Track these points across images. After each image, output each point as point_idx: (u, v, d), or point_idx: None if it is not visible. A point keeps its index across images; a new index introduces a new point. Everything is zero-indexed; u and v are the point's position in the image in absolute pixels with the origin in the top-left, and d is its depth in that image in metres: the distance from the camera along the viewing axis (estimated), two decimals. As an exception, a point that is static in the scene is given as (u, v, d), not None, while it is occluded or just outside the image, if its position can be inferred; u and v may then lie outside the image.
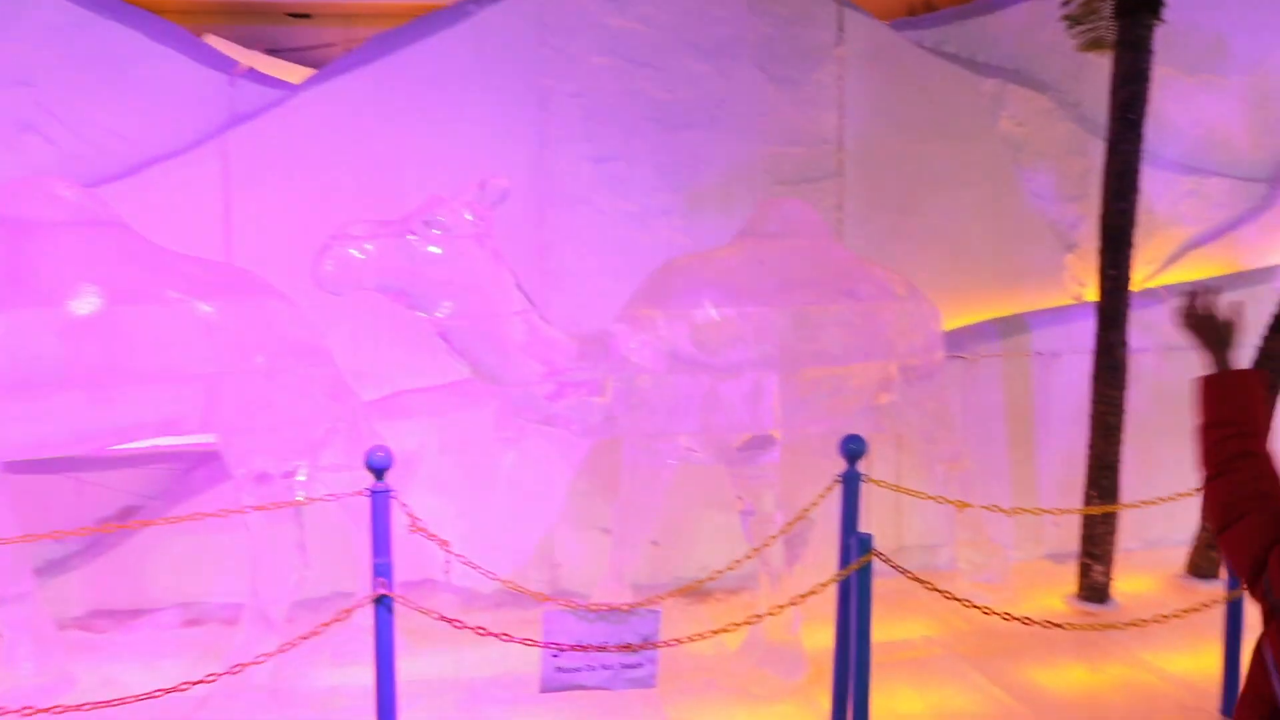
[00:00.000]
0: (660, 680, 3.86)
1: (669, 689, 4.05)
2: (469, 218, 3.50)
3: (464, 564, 3.39)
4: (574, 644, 3.26)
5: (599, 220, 5.19)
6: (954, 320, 5.61)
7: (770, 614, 3.56)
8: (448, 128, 5.05)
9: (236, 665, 3.13)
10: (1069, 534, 5.34)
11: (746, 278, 4.08)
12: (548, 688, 3.35)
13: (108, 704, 2.92)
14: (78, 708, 2.80)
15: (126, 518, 5.18)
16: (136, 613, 5.12)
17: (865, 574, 3.25)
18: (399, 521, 3.29)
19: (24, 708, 2.68)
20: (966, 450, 5.03)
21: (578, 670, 3.36)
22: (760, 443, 4.05)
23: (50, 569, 5.09)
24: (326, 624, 3.18)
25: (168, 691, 2.89)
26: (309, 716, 3.99)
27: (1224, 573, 5.07)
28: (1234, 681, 3.75)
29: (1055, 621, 3.50)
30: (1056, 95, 5.88)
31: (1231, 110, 6.37)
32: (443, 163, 4.97)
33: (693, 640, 3.30)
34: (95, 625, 5.06)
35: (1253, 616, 4.06)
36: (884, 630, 4.56)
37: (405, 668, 4.18)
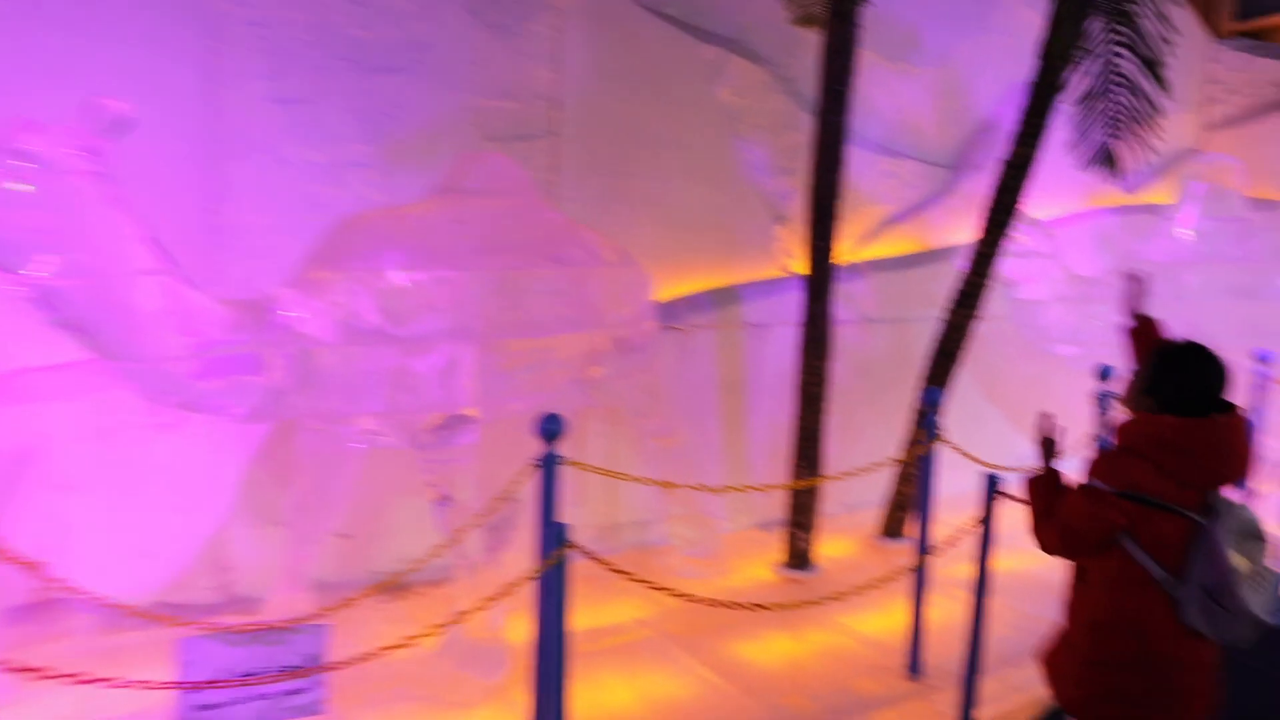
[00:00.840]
0: (346, 696, 3.41)
1: (354, 705, 3.60)
2: (74, 150, 2.80)
3: (63, 593, 2.73)
4: (215, 677, 2.73)
5: (281, 172, 4.52)
6: (667, 290, 5.51)
7: (470, 611, 3.20)
8: (97, 54, 4.15)
9: None
10: (777, 503, 5.44)
11: (440, 238, 3.66)
12: (190, 730, 2.80)
13: None
14: None
15: None
16: None
17: (561, 566, 2.98)
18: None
19: None
20: (679, 423, 4.94)
21: (224, 706, 2.84)
22: (455, 424, 3.67)
23: None
24: None
25: None
26: None
27: (911, 533, 5.38)
28: (920, 641, 3.90)
29: (758, 603, 3.43)
30: (773, 68, 5.91)
31: (923, 99, 6.74)
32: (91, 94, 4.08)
33: (368, 659, 2.87)
34: None
35: (939, 577, 4.23)
36: (594, 615, 4.39)
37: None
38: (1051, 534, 2.45)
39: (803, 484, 4.31)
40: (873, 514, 5.95)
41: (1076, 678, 2.38)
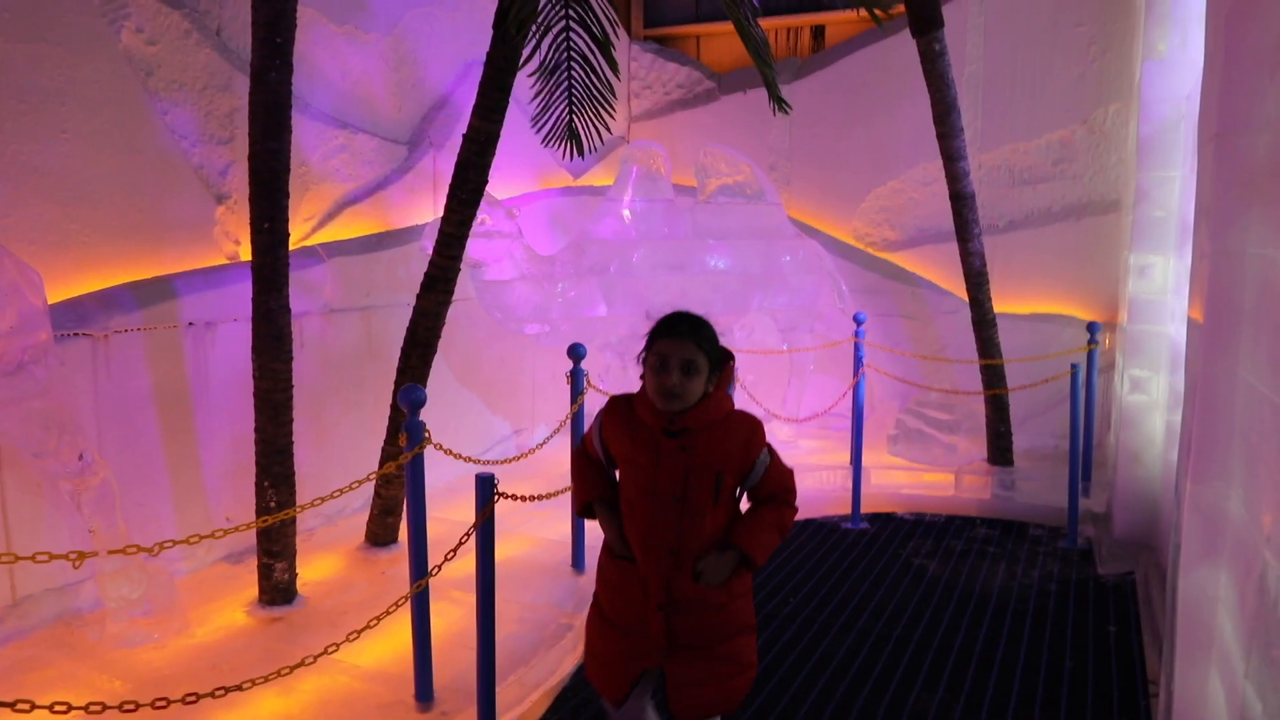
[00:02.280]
0: None
1: None
2: None
3: None
4: None
5: None
6: (71, 286, 4.34)
7: None
8: None
9: None
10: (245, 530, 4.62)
11: None
12: None
13: None
14: None
15: None
16: None
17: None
18: None
19: None
20: (101, 457, 3.90)
21: None
22: None
23: None
24: None
25: None
26: None
27: (404, 544, 4.98)
28: (427, 663, 3.50)
29: (224, 663, 2.72)
30: (193, 15, 4.94)
31: (375, 68, 6.28)
32: None
33: None
34: None
35: (434, 583, 3.86)
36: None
37: None
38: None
39: (272, 519, 3.62)
40: (357, 521, 5.44)
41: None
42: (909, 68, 6.80)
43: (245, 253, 5.15)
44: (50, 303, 3.83)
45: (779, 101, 5.22)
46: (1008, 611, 4.61)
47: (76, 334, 4.12)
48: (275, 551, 4.25)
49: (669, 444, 2.44)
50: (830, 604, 4.69)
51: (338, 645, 3.09)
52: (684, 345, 2.41)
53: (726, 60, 8.78)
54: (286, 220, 4.19)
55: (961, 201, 6.44)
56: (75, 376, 4.12)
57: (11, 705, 2.22)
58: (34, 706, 2.25)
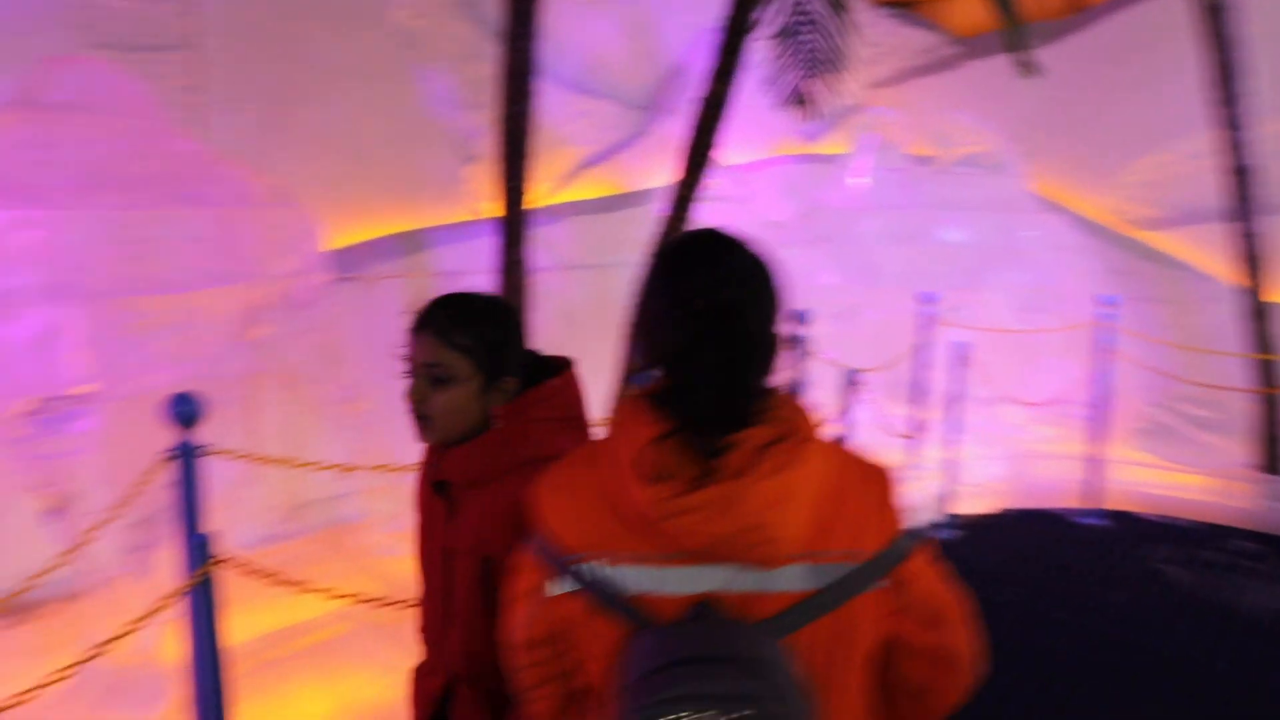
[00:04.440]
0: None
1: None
2: None
3: None
4: None
5: None
6: (344, 236, 4.84)
7: (113, 638, 2.46)
8: None
9: None
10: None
11: (23, 167, 2.78)
12: None
13: None
14: None
15: None
16: None
17: (205, 586, 2.37)
18: None
19: None
20: (365, 388, 4.35)
21: None
22: (63, 406, 2.86)
23: None
24: None
25: None
26: None
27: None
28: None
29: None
30: (454, -10, 5.35)
31: (615, 35, 6.49)
32: None
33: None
34: None
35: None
36: (284, 613, 3.75)
37: None
38: None
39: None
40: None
41: None
42: (1178, 27, 6.17)
43: (492, 209, 5.53)
44: (328, 249, 4.31)
45: (1027, 66, 4.91)
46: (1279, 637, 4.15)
47: (349, 278, 4.62)
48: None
49: (437, 505, 1.61)
50: (1054, 599, 4.44)
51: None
52: (427, 342, 1.55)
53: (970, 24, 8.33)
54: (528, 180, 4.45)
55: (1240, 176, 5.79)
56: (344, 317, 4.62)
57: (292, 586, 2.56)
58: (308, 591, 2.59)
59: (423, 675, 1.67)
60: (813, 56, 5.03)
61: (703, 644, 1.10)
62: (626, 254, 6.09)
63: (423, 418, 1.55)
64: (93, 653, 2.45)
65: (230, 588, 2.55)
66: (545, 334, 5.74)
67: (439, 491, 1.58)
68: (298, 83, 4.65)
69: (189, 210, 3.16)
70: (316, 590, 2.64)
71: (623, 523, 1.16)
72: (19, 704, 2.23)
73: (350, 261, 4.71)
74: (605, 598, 1.15)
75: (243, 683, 2.75)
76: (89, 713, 3.12)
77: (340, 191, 4.86)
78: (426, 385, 1.54)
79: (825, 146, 8.24)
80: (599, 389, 5.40)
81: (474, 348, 1.54)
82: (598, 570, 1.16)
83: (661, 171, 6.71)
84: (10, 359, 2.70)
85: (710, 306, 1.17)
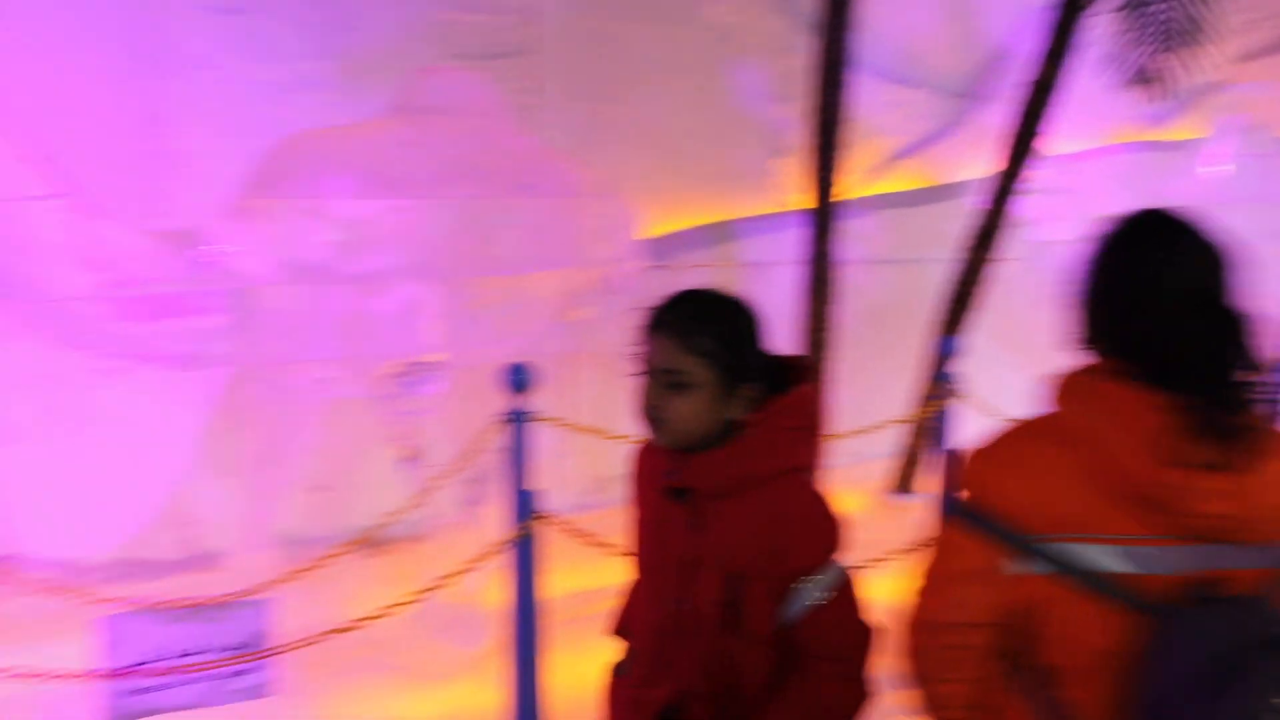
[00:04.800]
0: (313, 666, 3.05)
1: (321, 676, 3.24)
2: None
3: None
4: (148, 657, 2.38)
5: (225, 91, 4.03)
6: (657, 226, 5.07)
7: (445, 578, 2.81)
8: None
9: None
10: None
11: (396, 162, 3.22)
12: (119, 717, 2.45)
13: None
14: None
15: None
16: None
17: (527, 540, 2.61)
18: None
19: None
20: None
21: (160, 689, 2.49)
22: (419, 370, 3.27)
23: None
24: None
25: None
26: None
27: (921, 488, 5.03)
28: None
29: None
30: (771, -15, 5.42)
31: (933, 22, 6.23)
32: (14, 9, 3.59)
33: (316, 640, 2.51)
34: None
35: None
36: (588, 576, 4.03)
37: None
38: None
39: (805, 438, 3.93)
40: (882, 465, 5.59)
41: None
42: None
43: (800, 201, 5.54)
44: (643, 238, 4.55)
45: None
46: None
47: (658, 266, 4.85)
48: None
49: (674, 511, 1.55)
50: None
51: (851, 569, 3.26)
52: (664, 346, 1.49)
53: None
54: (840, 172, 4.42)
55: None
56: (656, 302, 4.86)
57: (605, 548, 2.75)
58: (619, 555, 2.76)
59: (637, 685, 1.60)
60: (1167, 29, 4.53)
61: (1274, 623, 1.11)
62: (938, 249, 5.84)
63: (657, 422, 1.49)
64: (430, 587, 2.79)
65: (549, 544, 2.79)
66: (849, 329, 5.66)
67: (676, 498, 1.52)
68: (621, 80, 4.94)
69: (525, 200, 3.47)
70: (627, 555, 2.82)
71: (1111, 501, 1.14)
72: (371, 623, 2.60)
73: (662, 250, 4.93)
74: (1085, 577, 1.14)
75: (554, 633, 2.99)
76: (426, 639, 3.53)
77: (655, 183, 5.10)
78: (662, 389, 1.48)
79: (1172, 132, 7.36)
80: (902, 387, 5.24)
81: (713, 352, 1.47)
82: (1073, 549, 1.15)
83: (978, 163, 6.34)
84: (380, 327, 3.13)
85: (1197, 288, 1.17)
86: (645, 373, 1.49)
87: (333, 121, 4.07)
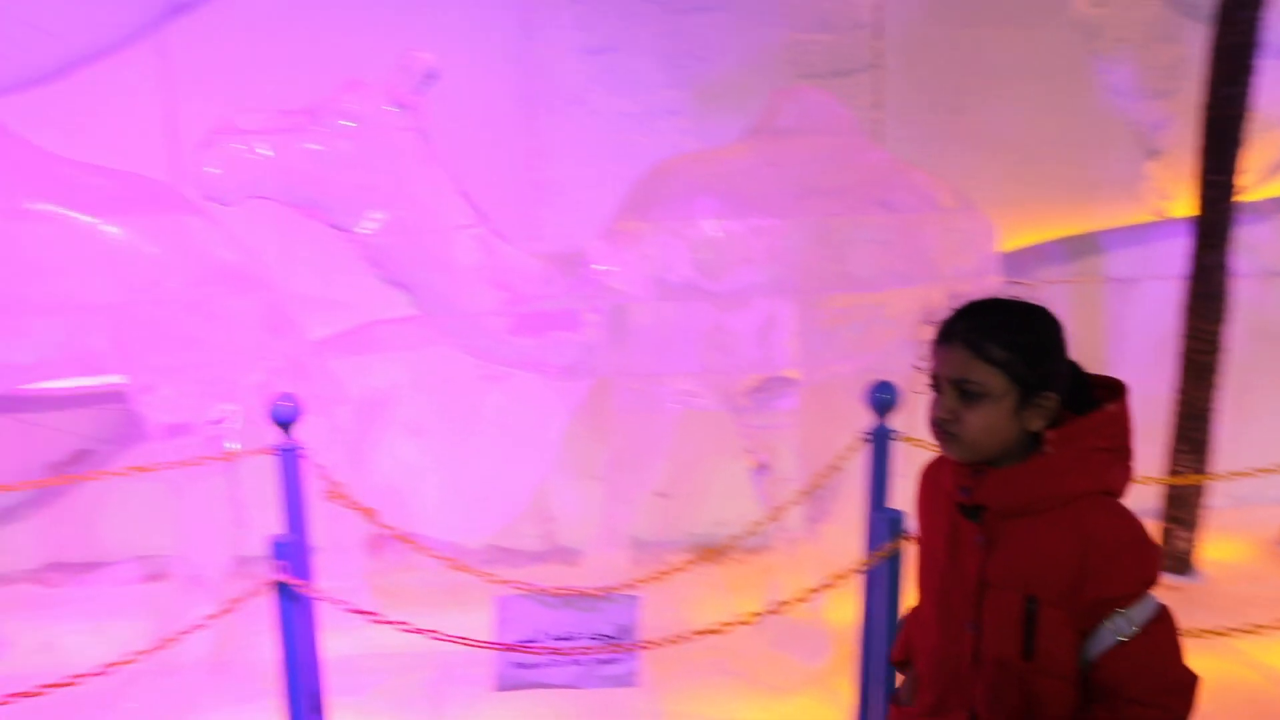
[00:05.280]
0: (659, 664, 3.26)
1: (665, 674, 3.44)
2: (389, 107, 2.79)
3: (396, 539, 2.76)
4: (529, 639, 2.66)
5: (594, 122, 4.42)
6: (1013, 239, 4.79)
7: (794, 598, 2.88)
8: (415, 14, 4.29)
9: (164, 639, 2.62)
10: (1151, 490, 4.57)
11: (755, 183, 3.32)
12: (505, 685, 2.79)
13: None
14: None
15: (78, 462, 4.71)
16: (91, 566, 4.69)
17: (894, 560, 2.57)
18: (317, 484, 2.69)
19: None
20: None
21: (541, 666, 2.78)
22: (775, 386, 3.35)
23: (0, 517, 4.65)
24: (237, 600, 2.60)
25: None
26: (257, 693, 3.49)
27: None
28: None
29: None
30: (1143, -29, 4.93)
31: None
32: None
33: (684, 639, 2.66)
34: (48, 579, 4.64)
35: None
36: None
37: (366, 639, 3.66)
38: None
39: (1190, 480, 3.49)
40: (1272, 512, 4.87)
41: None
42: None
43: (1178, 209, 4.99)
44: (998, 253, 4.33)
45: None
46: None
47: (1014, 282, 4.58)
48: (1179, 518, 4.11)
49: (966, 528, 1.48)
50: None
51: (1237, 631, 2.87)
52: (956, 355, 1.44)
53: None
54: (1237, 172, 3.92)
55: None
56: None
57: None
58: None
59: (924, 715, 1.56)
60: None
61: None
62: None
63: (949, 435, 1.46)
64: (786, 601, 2.83)
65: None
66: (1237, 348, 5.02)
67: (968, 516, 1.46)
68: (972, 89, 4.75)
69: (879, 215, 3.44)
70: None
71: None
72: (715, 632, 2.69)
73: (1019, 265, 4.66)
74: None
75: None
76: (765, 651, 3.61)
77: (1010, 194, 4.83)
78: (955, 401, 1.44)
79: None
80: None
81: (1009, 362, 1.41)
82: None
83: None
84: (741, 342, 3.25)
85: None
86: (937, 384, 1.47)
87: (692, 147, 4.32)
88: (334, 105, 2.73)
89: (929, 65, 4.67)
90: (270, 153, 2.65)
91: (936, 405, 1.47)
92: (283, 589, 2.45)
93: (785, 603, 2.86)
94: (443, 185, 2.91)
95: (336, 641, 2.89)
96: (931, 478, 1.60)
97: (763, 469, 3.43)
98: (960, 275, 3.67)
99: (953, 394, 1.45)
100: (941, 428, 1.47)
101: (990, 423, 1.42)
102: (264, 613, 2.64)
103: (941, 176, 3.86)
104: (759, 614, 2.78)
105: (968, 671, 1.47)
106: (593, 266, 3.17)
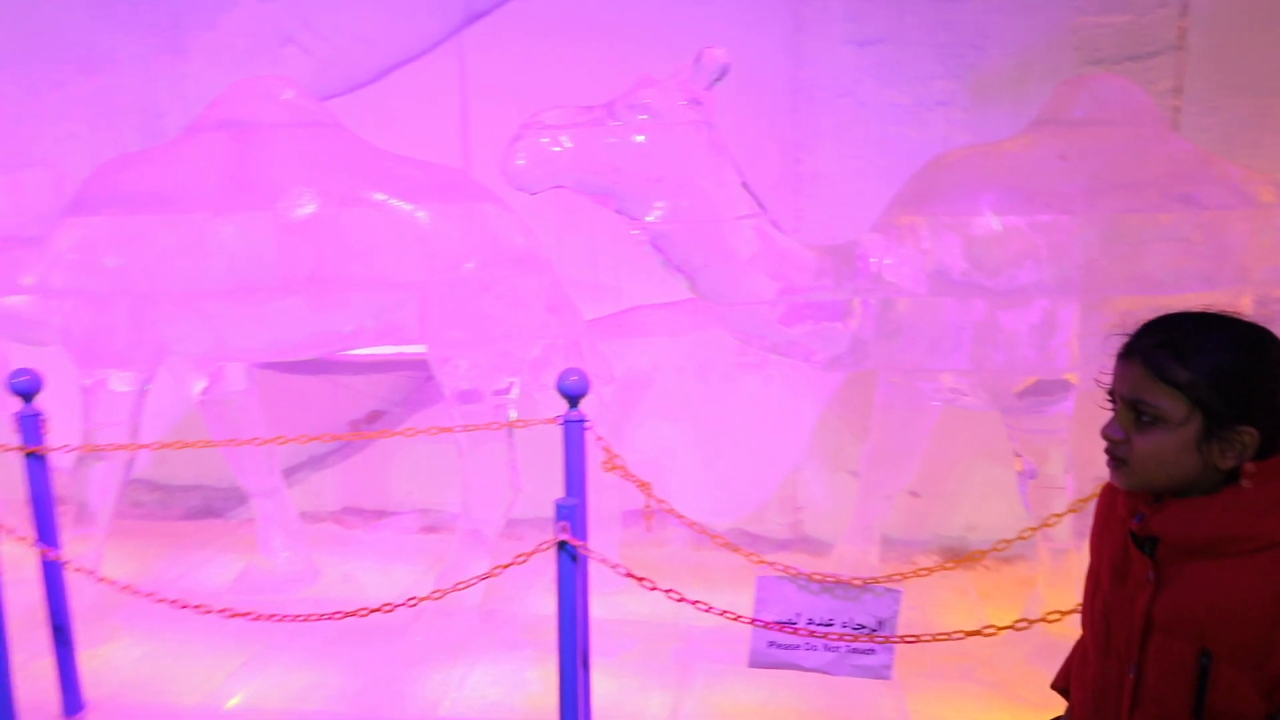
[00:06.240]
0: (907, 662, 3.24)
1: (912, 673, 3.42)
2: (682, 101, 2.92)
3: (665, 512, 2.92)
4: (786, 621, 2.73)
5: (863, 115, 4.39)
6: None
7: (1058, 612, 2.77)
8: (690, 11, 4.45)
9: (444, 589, 2.95)
10: None
11: (1041, 177, 3.19)
12: (757, 663, 2.88)
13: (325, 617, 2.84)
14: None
15: (373, 421, 5.31)
16: (380, 514, 5.29)
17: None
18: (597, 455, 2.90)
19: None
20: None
21: (795, 648, 2.84)
22: (1050, 389, 3.21)
23: (310, 465, 5.33)
24: (528, 555, 2.86)
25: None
26: (519, 642, 3.81)
27: None
28: None
29: None
30: None
31: None
32: (688, 50, 4.40)
33: (940, 639, 2.64)
34: (346, 521, 5.28)
35: None
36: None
37: (618, 605, 3.90)
38: None
39: None
40: None
41: None
42: None
43: None
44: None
45: None
46: None
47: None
48: None
49: (1138, 560, 1.33)
50: None
51: None
52: (1133, 373, 1.29)
53: None
54: None
55: None
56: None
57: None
58: None
59: None
60: None
61: None
62: None
63: (1117, 459, 1.33)
64: (1050, 616, 2.72)
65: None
66: None
67: (1141, 546, 1.33)
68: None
69: (1181, 210, 3.20)
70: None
71: None
72: (979, 634, 2.63)
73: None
74: None
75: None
76: (1018, 662, 3.48)
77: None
78: (1129, 423, 1.32)
79: None
80: None
81: (1193, 385, 1.25)
82: None
83: None
84: (1017, 341, 3.14)
85: None
86: (1115, 403, 1.36)
87: (963, 139, 4.19)
88: (631, 100, 2.91)
89: (1234, 45, 4.24)
90: (571, 145, 2.86)
91: (1110, 425, 1.36)
92: (564, 549, 2.67)
93: (1048, 616, 2.75)
94: (728, 176, 3.02)
95: (593, 605, 3.10)
96: (1108, 498, 1.48)
97: (1030, 474, 3.30)
98: (1275, 279, 3.34)
99: (1127, 415, 1.34)
100: (1110, 451, 1.36)
101: (1161, 451, 1.29)
102: (527, 570, 2.90)
103: (1254, 168, 3.52)
104: (1027, 623, 2.69)
105: (1126, 717, 1.35)
106: (868, 260, 3.17)
